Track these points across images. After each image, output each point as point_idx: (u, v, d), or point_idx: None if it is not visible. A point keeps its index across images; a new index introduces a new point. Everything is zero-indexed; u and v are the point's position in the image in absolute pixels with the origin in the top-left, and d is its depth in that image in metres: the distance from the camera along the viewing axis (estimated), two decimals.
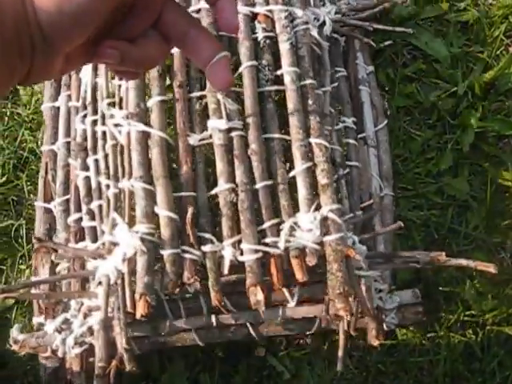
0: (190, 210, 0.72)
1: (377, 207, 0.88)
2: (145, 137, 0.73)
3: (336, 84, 0.88)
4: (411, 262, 0.83)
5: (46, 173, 0.83)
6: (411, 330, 0.92)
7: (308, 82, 0.78)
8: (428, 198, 0.99)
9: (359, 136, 0.91)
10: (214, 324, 0.79)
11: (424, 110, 1.02)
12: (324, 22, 0.84)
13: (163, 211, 0.70)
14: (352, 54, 0.93)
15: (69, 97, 0.84)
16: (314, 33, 0.80)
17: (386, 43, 1.04)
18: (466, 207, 0.98)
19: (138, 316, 0.68)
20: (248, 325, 0.81)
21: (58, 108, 0.85)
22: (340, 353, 0.80)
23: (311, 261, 0.73)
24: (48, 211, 0.81)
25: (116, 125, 0.74)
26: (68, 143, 0.82)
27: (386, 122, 0.94)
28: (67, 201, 0.81)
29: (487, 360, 0.91)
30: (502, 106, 1.04)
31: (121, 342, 0.71)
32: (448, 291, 0.94)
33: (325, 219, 0.74)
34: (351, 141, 0.88)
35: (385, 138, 0.94)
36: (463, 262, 0.75)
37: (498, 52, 1.07)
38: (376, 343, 0.80)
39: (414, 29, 1.03)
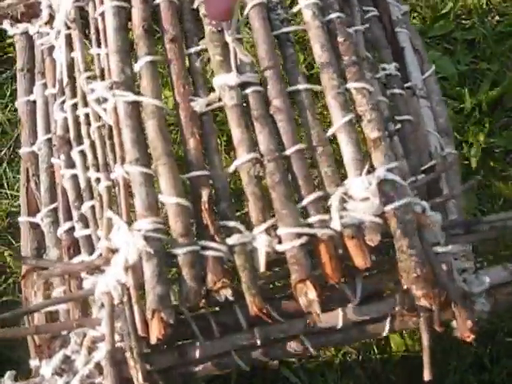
0: (206, 193, 0.55)
1: (440, 168, 0.70)
2: (136, 109, 0.57)
3: (367, 25, 0.71)
4: (500, 227, 0.65)
5: (28, 180, 0.67)
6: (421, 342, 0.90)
7: (334, 15, 0.62)
8: None
9: (405, 86, 0.73)
10: (259, 341, 0.61)
11: None
12: None
13: (170, 198, 0.53)
14: None
15: (45, 85, 0.69)
16: None
17: None
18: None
19: (152, 340, 0.50)
20: (302, 337, 0.63)
21: (35, 102, 0.70)
22: (425, 358, 0.61)
23: (373, 239, 0.55)
24: (34, 226, 0.66)
25: (99, 100, 0.58)
26: (49, 140, 0.67)
27: (433, 68, 0.77)
28: (55, 210, 0.64)
29: (496, 371, 0.91)
30: (508, 122, 1.06)
31: (137, 379, 0.53)
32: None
33: (382, 182, 0.56)
34: (397, 90, 0.70)
35: (435, 87, 0.76)
36: None
37: (505, 69, 1.09)
38: (471, 338, 0.61)
39: None
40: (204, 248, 0.53)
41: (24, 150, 0.69)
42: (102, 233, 0.56)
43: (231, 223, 0.55)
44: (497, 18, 1.16)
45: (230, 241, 0.54)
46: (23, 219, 0.66)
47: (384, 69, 0.70)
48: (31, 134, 0.69)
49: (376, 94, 0.64)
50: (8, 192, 1.08)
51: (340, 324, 0.62)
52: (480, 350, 0.92)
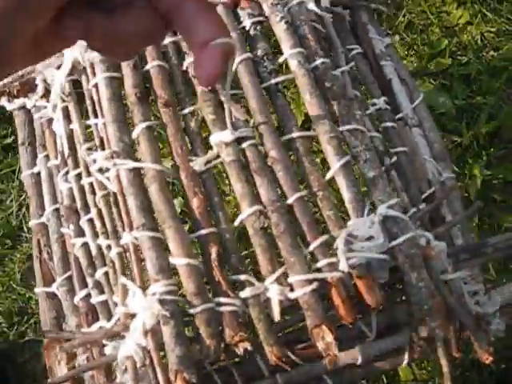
0: (214, 250, 0.56)
1: (440, 194, 0.71)
2: (138, 175, 0.59)
3: (353, 64, 0.73)
4: (505, 249, 0.66)
5: (40, 251, 0.69)
6: (429, 370, 0.94)
7: (319, 61, 0.64)
8: None
9: (396, 117, 0.75)
10: None
11: None
12: None
13: (180, 259, 0.55)
14: (361, 28, 0.78)
15: (47, 157, 0.71)
16: (312, 6, 0.66)
17: None
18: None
19: None
20: (325, 377, 0.63)
21: (39, 174, 0.72)
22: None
23: (381, 277, 0.56)
24: (51, 296, 0.67)
25: (101, 170, 0.60)
26: (57, 210, 0.69)
27: (421, 96, 0.79)
28: (70, 278, 0.66)
29: None
30: (506, 154, 1.09)
31: None
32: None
33: (385, 220, 0.57)
34: (389, 123, 0.71)
35: (426, 114, 0.78)
36: None
37: (501, 102, 1.12)
38: (489, 360, 0.62)
39: (419, 84, 1.10)
40: (219, 304, 0.55)
41: (33, 222, 0.70)
42: (118, 299, 0.58)
43: (243, 277, 0.56)
44: (491, 52, 1.18)
45: (243, 294, 0.55)
46: (39, 290, 0.67)
47: (374, 104, 0.72)
48: (39, 206, 0.71)
49: (368, 131, 0.66)
50: (27, 235, 1.15)
51: (360, 360, 0.63)
52: (485, 378, 0.93)
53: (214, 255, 0.56)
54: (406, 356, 0.65)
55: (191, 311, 0.54)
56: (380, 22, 1.10)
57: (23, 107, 0.74)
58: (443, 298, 0.57)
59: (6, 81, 0.71)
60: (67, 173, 0.67)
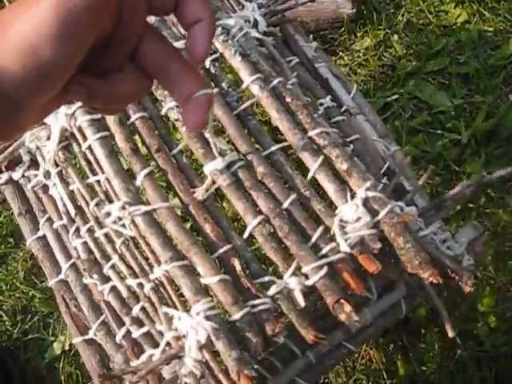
0: (237, 263, 0.65)
1: (395, 167, 0.83)
2: (151, 216, 0.66)
3: (296, 73, 0.83)
4: (459, 198, 0.79)
5: (68, 306, 0.75)
6: (428, 365, 0.96)
7: (275, 81, 0.73)
8: None
9: (341, 110, 0.86)
10: (314, 360, 0.72)
11: (431, 158, 1.09)
12: (256, 21, 0.79)
13: (212, 278, 0.63)
14: (291, 40, 0.88)
15: (50, 220, 0.76)
16: (255, 34, 0.76)
17: (393, 97, 1.13)
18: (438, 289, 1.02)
19: None
20: (344, 343, 0.75)
21: (44, 237, 0.77)
22: (445, 321, 0.74)
23: (375, 247, 0.67)
24: (90, 342, 0.73)
25: (114, 221, 0.67)
26: (73, 265, 0.75)
27: (355, 86, 0.90)
28: (104, 322, 0.73)
29: None
30: (504, 152, 1.09)
31: None
32: (462, 329, 0.97)
33: (365, 201, 0.69)
34: (339, 117, 0.83)
35: (363, 101, 0.90)
36: None
37: (499, 100, 1.13)
38: (470, 289, 0.75)
39: (418, 83, 1.13)
40: (253, 306, 0.64)
41: (53, 282, 0.76)
42: (164, 327, 0.65)
43: (266, 278, 0.65)
44: (489, 51, 1.20)
45: (270, 292, 0.65)
46: (78, 340, 0.73)
47: (321, 104, 0.83)
48: (53, 265, 0.76)
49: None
50: None
51: (370, 320, 0.75)
52: (484, 373, 0.96)
53: (238, 267, 0.65)
54: (404, 307, 0.78)
55: (233, 318, 0.63)
56: (379, 21, 1.18)
57: (10, 180, 0.79)
58: (427, 251, 0.69)
59: None
60: (77, 229, 0.73)
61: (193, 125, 0.33)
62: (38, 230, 0.78)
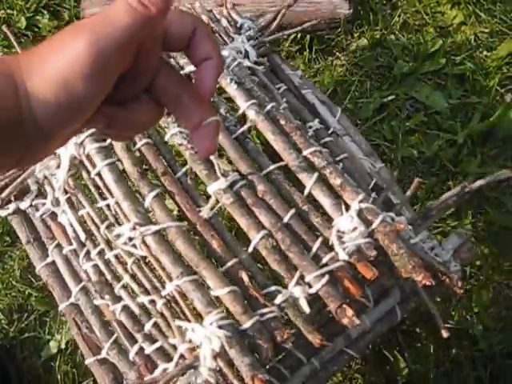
0: (245, 275, 0.69)
1: (382, 182, 0.89)
2: (162, 236, 0.70)
3: (285, 99, 0.89)
4: (444, 208, 0.85)
5: (79, 328, 0.77)
6: (424, 364, 0.96)
7: (269, 106, 0.79)
8: None
9: (329, 132, 0.92)
10: (319, 366, 0.76)
11: (427, 159, 1.08)
12: (246, 51, 0.85)
13: (222, 290, 0.67)
14: (278, 68, 0.95)
15: (58, 246, 0.79)
16: (247, 63, 0.82)
17: (390, 98, 1.13)
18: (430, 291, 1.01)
19: None
20: (345, 349, 0.79)
21: (53, 263, 0.80)
22: (439, 323, 0.79)
23: (371, 254, 0.72)
24: (103, 362, 0.76)
25: (125, 242, 0.71)
26: (83, 288, 0.78)
27: (339, 110, 0.97)
28: (116, 341, 0.75)
29: None
30: (500, 152, 1.09)
31: None
32: (457, 328, 0.98)
33: (360, 212, 0.74)
34: (327, 139, 0.88)
35: (348, 123, 0.96)
36: None
37: (494, 101, 1.13)
38: (461, 291, 0.80)
39: (414, 83, 1.13)
40: (262, 315, 0.68)
41: (63, 306, 0.78)
42: (177, 340, 0.69)
43: (272, 288, 0.70)
44: (485, 53, 1.20)
45: (277, 301, 0.69)
46: (91, 360, 0.76)
47: (310, 127, 0.89)
48: (63, 290, 0.79)
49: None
50: None
51: (368, 325, 0.79)
52: (480, 372, 0.97)
53: (246, 279, 0.69)
54: (399, 312, 0.82)
55: (244, 327, 0.66)
56: (376, 22, 1.19)
57: (17, 209, 0.82)
58: (419, 256, 0.74)
59: (5, 193, 0.78)
60: (87, 253, 0.76)
61: (204, 151, 0.36)
62: (47, 256, 0.81)
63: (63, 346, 1.08)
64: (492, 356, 0.96)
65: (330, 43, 1.24)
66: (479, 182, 0.87)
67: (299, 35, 1.13)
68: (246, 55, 0.85)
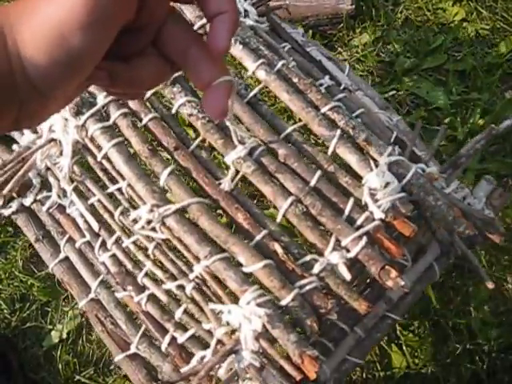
0: (278, 247, 0.64)
1: (402, 135, 0.84)
2: (181, 214, 0.65)
3: (292, 58, 0.83)
4: (473, 153, 0.80)
5: (103, 324, 0.72)
6: (422, 358, 0.98)
7: (280, 64, 0.73)
8: None
9: (340, 88, 0.86)
10: (363, 335, 0.71)
11: None
12: (246, 11, 0.79)
13: (256, 265, 0.62)
14: (279, 27, 0.88)
15: (70, 240, 0.74)
16: (249, 22, 0.76)
17: (391, 93, 1.15)
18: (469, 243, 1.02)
19: (312, 377, 0.59)
20: (388, 314, 0.74)
21: (67, 259, 0.75)
22: (481, 270, 0.75)
23: (407, 210, 0.67)
24: (133, 357, 0.71)
25: (143, 227, 0.65)
26: (103, 281, 0.72)
27: (347, 65, 0.91)
28: (145, 334, 0.70)
29: None
30: (500, 148, 1.10)
31: None
32: (455, 322, 0.99)
33: (390, 166, 0.69)
34: (341, 95, 0.83)
35: (358, 78, 0.91)
36: None
37: (495, 98, 1.14)
38: (501, 239, 0.75)
39: (415, 79, 1.15)
40: (301, 287, 0.63)
41: (83, 303, 0.73)
42: (212, 324, 0.64)
43: (308, 257, 0.64)
44: (486, 49, 1.21)
45: (315, 270, 0.64)
46: (120, 357, 0.71)
47: (321, 84, 0.83)
48: (81, 286, 0.74)
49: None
50: None
51: (409, 286, 0.74)
52: (477, 366, 0.98)
53: (280, 250, 0.64)
54: (437, 269, 0.78)
55: (284, 302, 0.61)
56: (378, 17, 1.22)
57: (22, 207, 0.76)
58: (458, 206, 0.70)
59: (5, 191, 0.72)
60: (103, 243, 0.71)
61: (214, 113, 0.33)
62: (59, 253, 0.75)
63: (65, 336, 1.08)
64: (489, 350, 0.97)
65: (332, 38, 1.26)
66: (506, 123, 0.83)
67: (302, 30, 1.09)
68: (246, 14, 0.79)
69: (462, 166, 0.79)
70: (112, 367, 1.06)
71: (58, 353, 1.07)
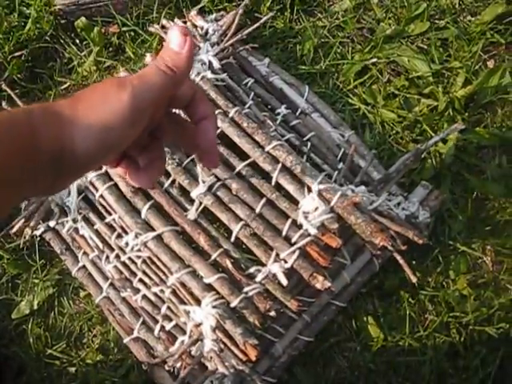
0: (228, 262, 0.85)
1: (349, 150, 1.00)
2: (159, 239, 0.86)
3: (253, 93, 1.01)
4: (403, 169, 0.96)
5: (113, 315, 0.96)
6: (399, 331, 1.00)
7: (232, 111, 0.91)
8: None
9: (297, 114, 1.03)
10: (309, 319, 0.92)
11: (407, 124, 1.08)
12: (210, 62, 0.96)
13: (212, 277, 0.83)
14: (246, 62, 1.05)
15: (85, 253, 0.98)
16: (210, 75, 0.93)
17: (371, 61, 1.13)
18: (448, 214, 1.03)
19: (253, 359, 0.81)
20: (332, 301, 0.94)
21: (84, 267, 0.99)
22: (406, 269, 0.92)
23: (334, 227, 0.86)
24: (136, 340, 0.95)
25: (132, 248, 0.88)
26: (111, 284, 0.96)
27: (307, 87, 1.06)
28: (144, 322, 0.94)
29: (470, 358, 0.97)
30: (481, 119, 1.09)
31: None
32: (433, 294, 1.00)
33: (320, 192, 0.87)
34: (295, 121, 1.00)
35: (315, 99, 1.06)
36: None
37: (477, 67, 1.12)
38: (421, 241, 0.92)
39: (397, 47, 1.13)
40: (247, 292, 0.84)
41: (99, 299, 0.97)
42: (185, 319, 0.86)
43: (252, 269, 0.85)
44: (469, 17, 1.18)
45: (258, 278, 0.84)
46: (127, 340, 0.95)
47: (279, 113, 1.01)
48: (96, 287, 0.98)
49: (283, 136, 0.95)
50: None
51: (348, 280, 0.94)
52: (454, 339, 0.98)
53: (230, 265, 0.84)
54: (376, 262, 0.96)
55: (233, 304, 0.83)
56: None
57: (48, 228, 1.00)
58: (377, 220, 0.87)
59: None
60: (107, 257, 0.94)
61: (212, 166, 0.46)
62: (78, 262, 0.99)
63: (35, 308, 1.06)
64: (467, 323, 0.98)
65: (312, 4, 1.23)
66: (433, 140, 0.98)
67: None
68: (211, 65, 0.96)
69: (393, 180, 0.95)
70: (85, 340, 1.04)
71: (29, 326, 1.05)
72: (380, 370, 0.98)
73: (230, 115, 0.91)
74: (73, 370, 1.01)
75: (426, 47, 1.15)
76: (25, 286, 1.07)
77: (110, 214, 0.91)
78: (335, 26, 1.20)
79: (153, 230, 0.88)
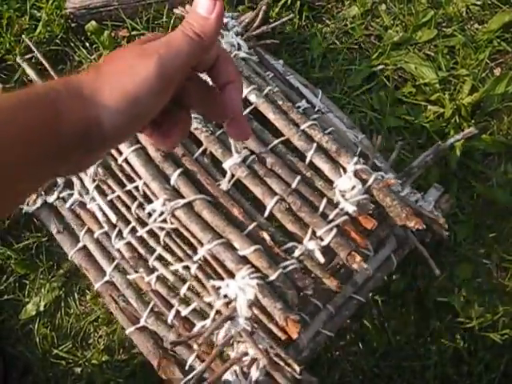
0: (266, 235, 0.79)
1: (365, 150, 1.00)
2: (189, 208, 0.80)
3: (275, 84, 1.00)
4: (423, 165, 0.98)
5: (117, 302, 0.86)
6: (404, 335, 1.00)
7: (267, 89, 0.90)
8: None
9: (315, 110, 1.03)
10: (334, 311, 0.87)
11: (414, 130, 1.10)
12: (239, 45, 0.95)
13: (248, 249, 0.77)
14: (264, 59, 1.05)
15: (89, 231, 0.88)
16: (243, 54, 0.92)
17: (379, 67, 1.14)
18: (454, 220, 1.05)
19: (294, 336, 0.74)
20: (354, 295, 0.90)
21: (85, 247, 0.88)
22: (430, 261, 0.91)
23: (369, 208, 0.84)
24: (142, 329, 0.84)
25: (155, 219, 0.80)
26: (117, 266, 0.86)
27: (320, 91, 1.08)
28: (153, 309, 0.84)
29: (474, 364, 0.98)
30: (487, 126, 1.10)
31: (294, 369, 0.76)
32: (438, 300, 1.01)
33: (355, 173, 0.85)
34: (315, 116, 1.00)
35: (329, 102, 1.07)
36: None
37: (484, 75, 1.13)
38: (447, 233, 0.92)
39: (404, 54, 1.15)
40: (284, 267, 0.78)
41: (98, 285, 0.86)
42: (212, 297, 0.78)
43: (289, 244, 0.80)
44: (476, 25, 1.19)
45: (295, 254, 0.79)
46: (131, 330, 0.84)
47: (299, 107, 1.00)
48: (97, 270, 0.87)
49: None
50: None
51: (371, 272, 0.90)
52: (458, 344, 0.98)
53: (267, 238, 0.79)
54: (394, 260, 0.94)
55: (271, 278, 0.77)
56: None
57: (45, 204, 0.90)
58: (410, 206, 0.86)
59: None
60: (119, 233, 0.85)
61: (242, 138, 0.43)
62: (78, 242, 0.89)
63: (42, 309, 1.07)
64: (471, 329, 0.98)
65: (321, 10, 1.24)
66: (451, 140, 1.01)
67: (289, 1, 1.14)
68: (239, 48, 0.95)
69: (415, 175, 0.96)
70: (90, 341, 1.04)
71: (36, 326, 1.05)
72: (384, 374, 0.97)
73: (265, 92, 0.89)
74: (78, 370, 0.99)
75: (433, 54, 1.16)
76: (32, 286, 1.08)
77: (131, 181, 0.83)
78: (343, 32, 1.22)
79: (182, 197, 0.81)
